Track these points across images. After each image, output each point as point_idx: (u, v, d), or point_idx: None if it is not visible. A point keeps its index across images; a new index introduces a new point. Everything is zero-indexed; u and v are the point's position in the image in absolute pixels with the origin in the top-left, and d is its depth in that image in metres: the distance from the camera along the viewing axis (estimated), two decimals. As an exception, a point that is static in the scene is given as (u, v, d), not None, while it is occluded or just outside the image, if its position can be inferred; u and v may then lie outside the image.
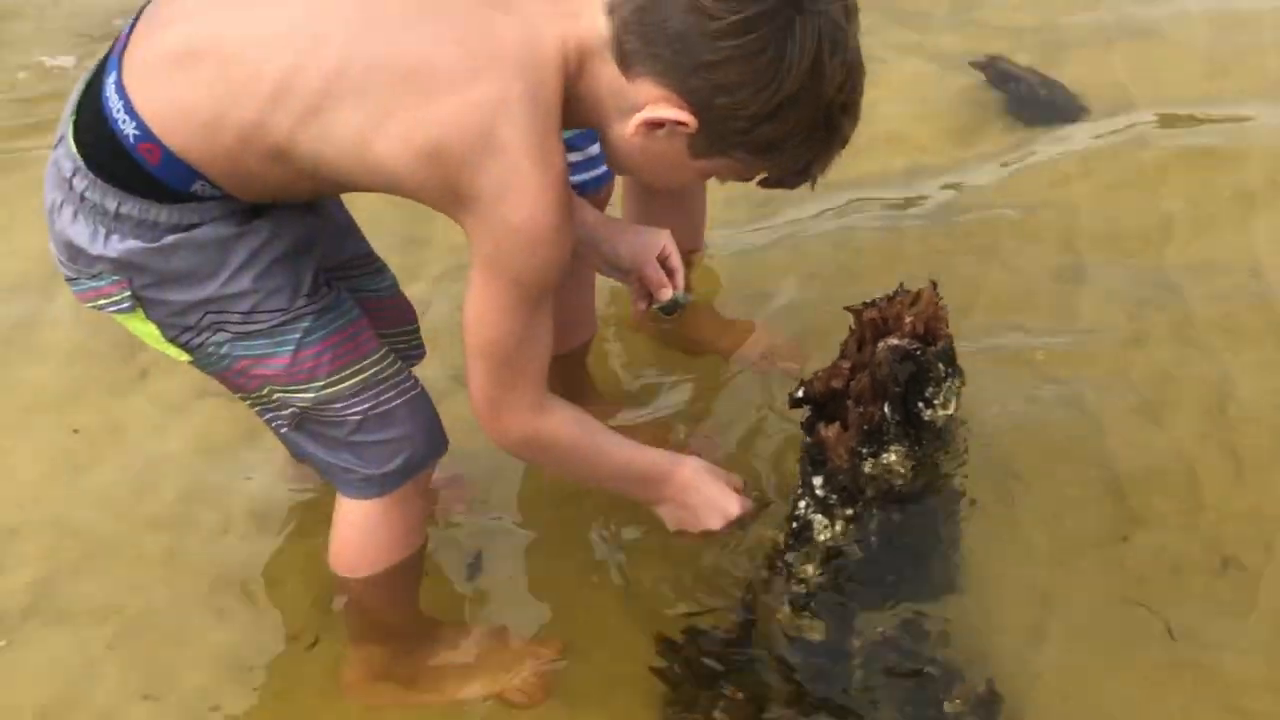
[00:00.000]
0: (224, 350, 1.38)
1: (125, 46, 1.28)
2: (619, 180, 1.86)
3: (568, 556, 1.68)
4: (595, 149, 1.67)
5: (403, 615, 1.62)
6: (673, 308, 1.51)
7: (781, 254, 2.20)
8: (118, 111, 1.24)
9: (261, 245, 1.33)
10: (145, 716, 1.52)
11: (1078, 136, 2.39)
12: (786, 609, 1.47)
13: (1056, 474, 1.73)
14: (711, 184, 1.57)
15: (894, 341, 1.52)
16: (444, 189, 1.23)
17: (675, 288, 1.51)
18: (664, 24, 1.18)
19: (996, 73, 2.59)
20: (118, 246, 1.28)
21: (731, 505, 1.42)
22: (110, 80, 1.26)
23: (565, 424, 1.38)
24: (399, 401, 1.46)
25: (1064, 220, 2.20)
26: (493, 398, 1.34)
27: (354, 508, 1.51)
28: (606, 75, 1.23)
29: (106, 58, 1.29)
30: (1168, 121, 2.41)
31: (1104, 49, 2.62)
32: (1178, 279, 2.05)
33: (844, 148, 1.27)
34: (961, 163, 2.36)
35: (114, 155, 1.25)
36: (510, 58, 1.20)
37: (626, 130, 1.24)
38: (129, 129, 1.23)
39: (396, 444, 1.47)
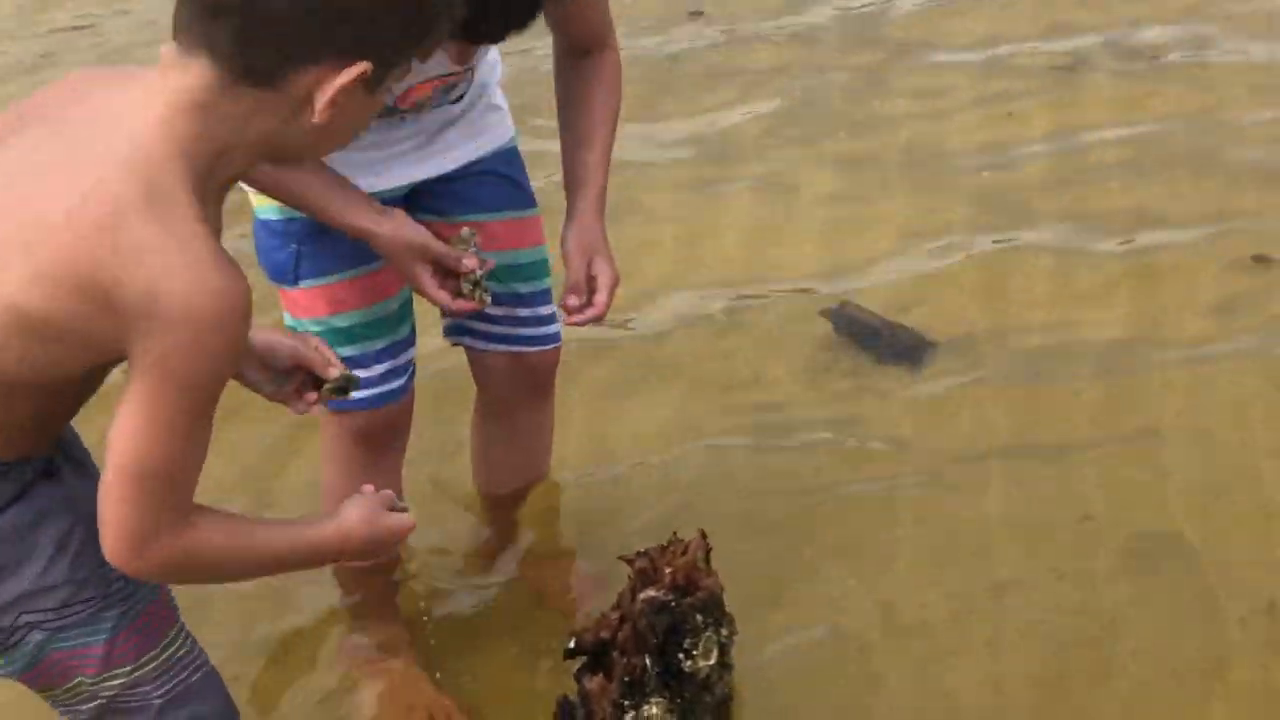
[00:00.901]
0: (40, 648, 1.34)
1: None
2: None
3: None
4: (381, 367, 1.75)
5: None
6: (347, 384, 1.46)
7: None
8: None
9: (65, 534, 1.32)
10: None
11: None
12: None
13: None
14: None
15: (650, 593, 1.56)
16: (102, 317, 1.17)
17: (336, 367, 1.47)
18: (272, 12, 1.14)
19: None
20: None
21: (395, 532, 1.38)
22: None
23: (212, 533, 1.28)
24: (197, 677, 1.44)
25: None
26: (138, 528, 1.23)
27: None
28: (245, 104, 1.18)
29: None
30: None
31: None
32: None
33: None
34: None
35: None
36: (111, 162, 1.16)
37: (311, 122, 1.19)
38: None
39: None
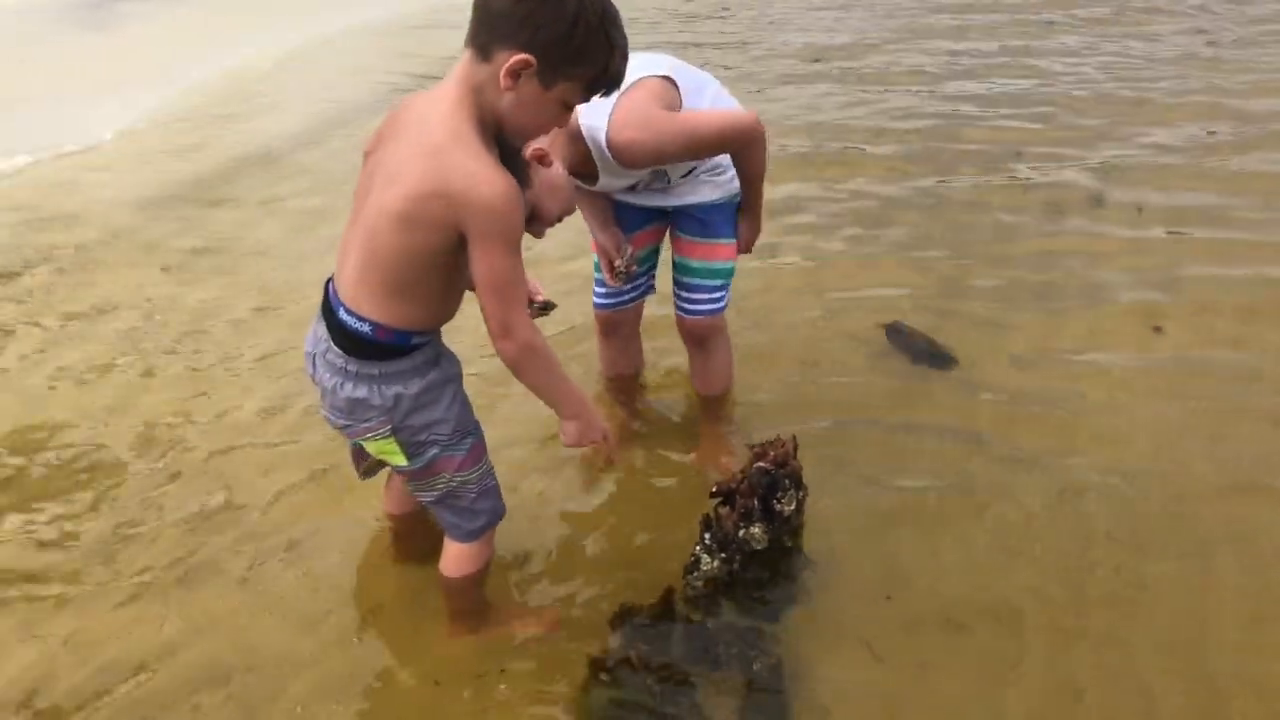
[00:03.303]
0: (434, 454, 2.35)
1: (333, 288, 2.26)
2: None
3: (564, 580, 2.85)
4: (605, 289, 3.12)
5: (478, 598, 2.69)
6: (544, 308, 2.63)
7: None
8: (355, 323, 2.20)
9: (454, 393, 2.38)
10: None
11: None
12: (682, 604, 2.64)
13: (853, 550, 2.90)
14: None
15: (760, 464, 2.73)
16: (443, 208, 2.00)
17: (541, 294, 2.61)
18: (490, 10, 1.95)
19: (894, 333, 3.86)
20: (387, 394, 2.24)
21: (605, 433, 2.37)
22: (340, 311, 2.21)
23: (547, 343, 2.18)
24: (491, 486, 2.52)
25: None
26: (504, 320, 2.08)
27: (458, 546, 2.57)
28: (481, 75, 2.00)
29: (326, 299, 2.27)
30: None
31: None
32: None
33: (623, 56, 2.04)
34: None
35: (365, 345, 2.21)
36: (437, 125, 2.02)
37: (503, 89, 1.97)
38: (365, 328, 2.19)
39: (486, 512, 2.53)
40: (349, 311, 2.21)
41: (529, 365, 2.18)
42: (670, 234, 3.11)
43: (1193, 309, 3.98)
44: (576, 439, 2.37)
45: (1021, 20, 8.56)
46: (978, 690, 2.48)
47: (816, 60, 7.53)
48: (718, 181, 2.96)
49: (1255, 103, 6.14)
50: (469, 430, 2.43)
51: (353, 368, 2.25)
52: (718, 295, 3.10)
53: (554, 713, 2.42)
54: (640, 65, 2.76)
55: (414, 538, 2.88)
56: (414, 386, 2.28)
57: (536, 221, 2.65)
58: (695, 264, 3.07)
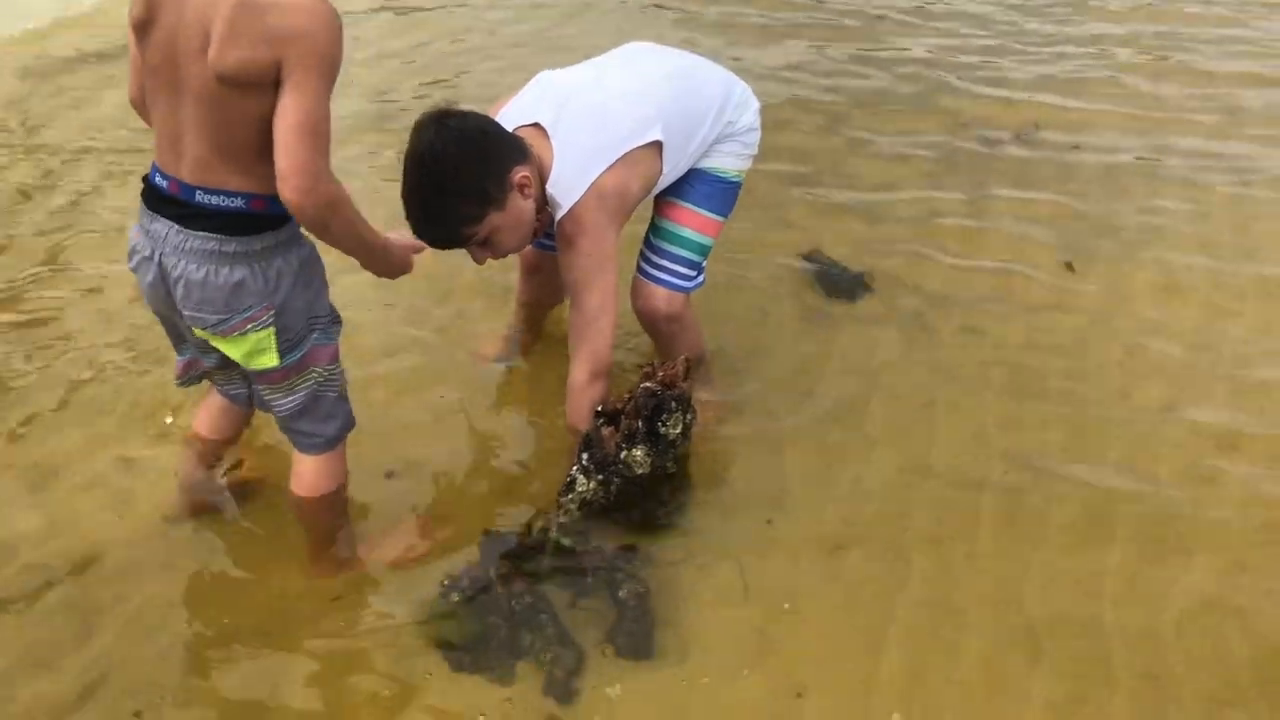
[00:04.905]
0: (311, 342, 2.18)
1: (166, 177, 2.03)
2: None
3: (426, 506, 2.71)
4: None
5: (342, 518, 2.54)
6: None
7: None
8: (223, 201, 2.00)
9: (322, 268, 2.21)
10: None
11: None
12: (554, 530, 2.53)
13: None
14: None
15: (646, 385, 2.60)
16: (269, 50, 1.85)
17: None
18: None
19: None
20: (269, 272, 2.06)
21: (405, 263, 2.27)
22: (198, 195, 2.00)
23: (347, 194, 1.98)
24: (344, 386, 2.36)
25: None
26: (313, 167, 1.89)
27: (312, 461, 2.37)
28: None
29: (158, 193, 2.05)
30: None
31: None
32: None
33: None
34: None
35: (238, 220, 2.02)
36: None
37: None
38: (238, 203, 2.00)
39: (342, 415, 2.37)
40: (210, 191, 2.01)
41: (334, 219, 1.99)
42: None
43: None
44: (392, 274, 2.29)
45: None
46: (854, 616, 2.45)
47: None
48: (726, 150, 2.79)
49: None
50: (338, 316, 2.29)
51: (229, 248, 2.04)
52: (681, 270, 2.82)
53: (401, 637, 2.32)
54: (637, 98, 2.62)
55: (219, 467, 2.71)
56: (293, 259, 2.12)
57: (488, 249, 2.50)
58: (664, 225, 2.82)
